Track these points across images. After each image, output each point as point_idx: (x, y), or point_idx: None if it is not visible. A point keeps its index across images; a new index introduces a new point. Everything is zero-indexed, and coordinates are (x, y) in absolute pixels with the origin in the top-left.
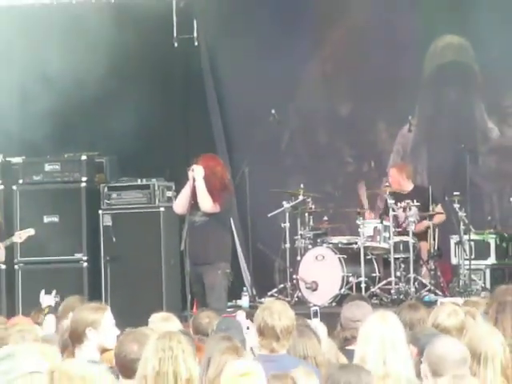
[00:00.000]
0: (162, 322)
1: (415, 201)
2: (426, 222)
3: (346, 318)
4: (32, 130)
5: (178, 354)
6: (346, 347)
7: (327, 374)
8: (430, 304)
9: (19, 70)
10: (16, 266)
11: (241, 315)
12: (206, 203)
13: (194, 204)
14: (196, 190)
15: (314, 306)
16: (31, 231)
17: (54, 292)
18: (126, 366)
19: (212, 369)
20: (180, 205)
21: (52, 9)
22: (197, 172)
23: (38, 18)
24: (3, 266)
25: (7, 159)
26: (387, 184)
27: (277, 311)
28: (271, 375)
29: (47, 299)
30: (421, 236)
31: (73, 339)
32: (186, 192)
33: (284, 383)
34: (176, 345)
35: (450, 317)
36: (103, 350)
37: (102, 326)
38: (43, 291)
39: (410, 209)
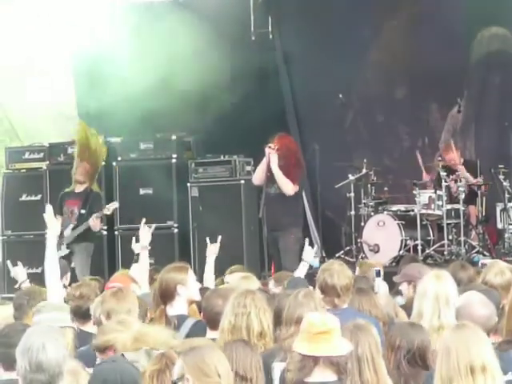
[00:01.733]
0: (242, 280)
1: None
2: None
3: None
4: (129, 113)
5: (251, 311)
6: None
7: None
8: (479, 264)
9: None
10: (116, 232)
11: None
12: (287, 187)
13: (269, 176)
14: (275, 177)
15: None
16: (116, 204)
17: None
18: (212, 319)
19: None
20: (257, 178)
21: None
22: (272, 160)
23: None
24: (105, 232)
25: (107, 139)
26: (439, 158)
27: (336, 272)
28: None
29: (21, 273)
30: (470, 203)
31: (165, 297)
32: (262, 166)
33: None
34: (250, 302)
35: (497, 276)
36: (190, 303)
37: (189, 282)
38: (9, 264)
39: (460, 180)
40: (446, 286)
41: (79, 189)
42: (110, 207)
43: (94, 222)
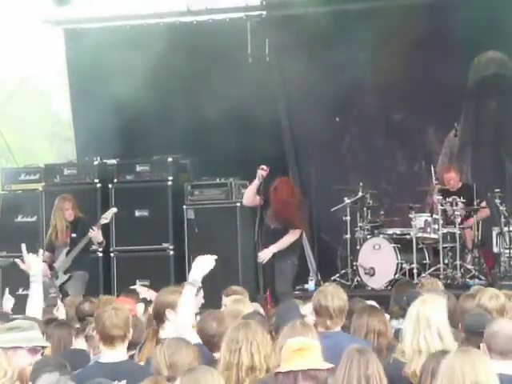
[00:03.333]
0: (236, 303)
1: (462, 197)
2: (472, 220)
3: None
4: (125, 135)
5: (242, 346)
6: None
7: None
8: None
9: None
10: (112, 254)
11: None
12: (295, 237)
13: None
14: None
15: (372, 288)
16: (114, 209)
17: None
18: (207, 341)
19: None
20: (246, 198)
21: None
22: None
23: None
24: (101, 254)
25: (104, 161)
26: (437, 182)
27: (330, 294)
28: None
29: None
30: (466, 227)
31: (157, 319)
32: (251, 187)
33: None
34: (242, 337)
35: (491, 300)
36: None
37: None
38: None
39: (456, 204)
40: (428, 309)
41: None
42: (108, 214)
43: (95, 232)
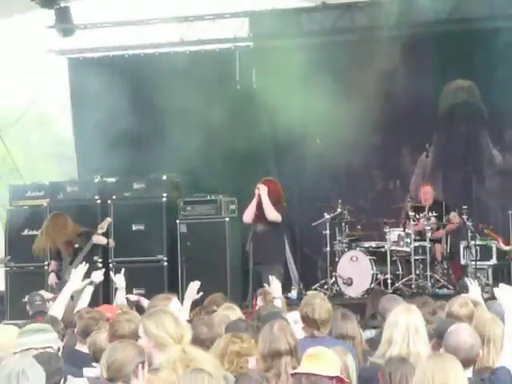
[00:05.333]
0: (226, 310)
1: (434, 212)
2: (442, 231)
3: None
4: (123, 155)
5: None
6: None
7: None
8: (443, 297)
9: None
10: (110, 265)
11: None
12: (272, 213)
13: (258, 215)
14: (262, 204)
15: (350, 297)
16: (109, 219)
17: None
18: (199, 344)
19: None
20: (248, 216)
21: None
22: (262, 190)
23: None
24: (100, 265)
25: (103, 179)
26: (409, 200)
27: (318, 306)
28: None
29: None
30: (436, 241)
31: None
32: (252, 205)
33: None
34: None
35: (462, 307)
36: None
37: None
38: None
39: (429, 219)
40: (415, 318)
41: None
42: (104, 224)
43: (98, 238)
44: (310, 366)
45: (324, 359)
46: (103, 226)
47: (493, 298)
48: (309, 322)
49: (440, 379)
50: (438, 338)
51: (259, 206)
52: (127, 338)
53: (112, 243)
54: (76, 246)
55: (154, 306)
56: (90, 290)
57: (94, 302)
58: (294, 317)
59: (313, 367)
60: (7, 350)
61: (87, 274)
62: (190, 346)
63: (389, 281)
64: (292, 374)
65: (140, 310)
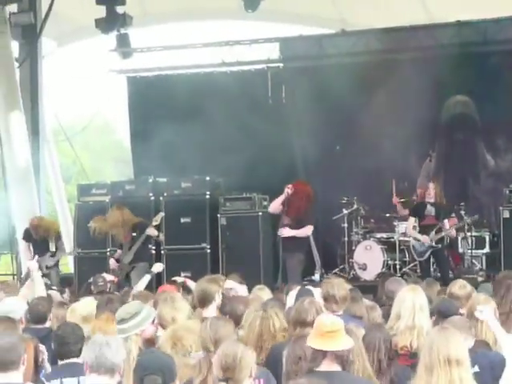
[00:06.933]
0: (259, 291)
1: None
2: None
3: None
4: (172, 159)
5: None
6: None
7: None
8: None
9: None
10: (162, 251)
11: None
12: (308, 232)
13: (285, 210)
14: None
15: (364, 280)
16: (162, 213)
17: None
18: (235, 320)
19: None
20: (273, 207)
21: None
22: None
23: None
24: (154, 252)
25: (156, 179)
26: (414, 198)
27: (336, 284)
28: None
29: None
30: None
31: (202, 303)
32: (279, 199)
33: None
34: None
35: (461, 289)
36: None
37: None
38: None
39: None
40: (420, 297)
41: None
42: (158, 217)
43: (151, 230)
44: (333, 342)
45: (341, 332)
46: (157, 219)
47: (486, 281)
48: (329, 298)
49: (443, 352)
50: (438, 315)
51: (288, 202)
52: None
53: (162, 237)
54: (134, 234)
55: (204, 288)
56: (147, 278)
57: (148, 286)
58: (318, 293)
59: (336, 344)
60: (90, 319)
61: (145, 257)
62: (182, 328)
63: (397, 266)
64: (316, 350)
65: (187, 289)
